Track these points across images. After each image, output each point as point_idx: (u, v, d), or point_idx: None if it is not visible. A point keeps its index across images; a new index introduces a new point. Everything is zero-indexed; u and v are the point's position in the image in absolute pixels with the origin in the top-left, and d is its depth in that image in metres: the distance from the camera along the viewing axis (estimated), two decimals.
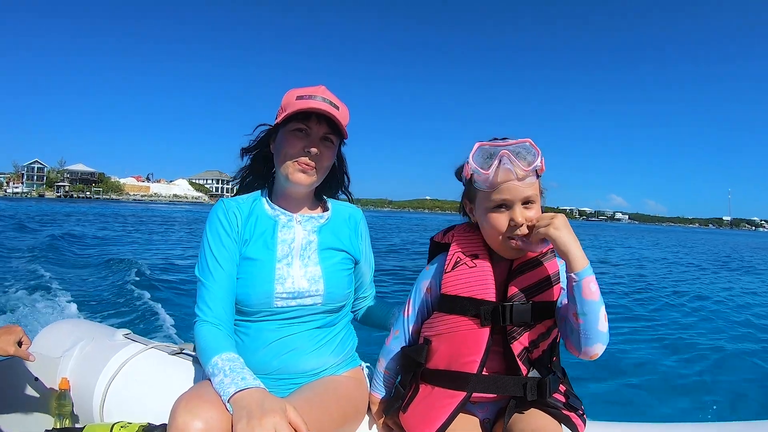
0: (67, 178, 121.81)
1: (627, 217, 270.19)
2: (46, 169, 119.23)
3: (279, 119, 1.33)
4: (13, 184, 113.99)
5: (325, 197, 1.50)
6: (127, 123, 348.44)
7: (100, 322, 2.06)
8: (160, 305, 5.62)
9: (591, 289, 1.08)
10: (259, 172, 1.48)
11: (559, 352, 1.26)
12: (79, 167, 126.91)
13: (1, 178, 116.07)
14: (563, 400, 1.22)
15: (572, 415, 1.20)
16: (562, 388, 1.24)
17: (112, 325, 1.93)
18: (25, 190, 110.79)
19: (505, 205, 1.15)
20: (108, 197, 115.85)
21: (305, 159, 1.32)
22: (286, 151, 1.32)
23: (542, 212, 1.20)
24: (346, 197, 1.55)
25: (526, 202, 1.15)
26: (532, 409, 1.18)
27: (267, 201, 1.40)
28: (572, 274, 1.09)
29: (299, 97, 1.32)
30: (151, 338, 1.77)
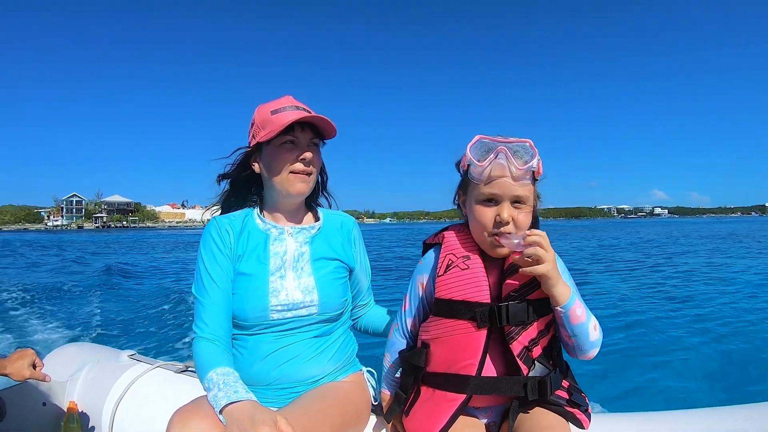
0: (105, 209, 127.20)
1: (666, 211, 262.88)
2: (84, 201, 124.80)
3: (263, 137, 1.31)
4: (53, 217, 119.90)
5: (314, 205, 1.50)
6: (162, 151, 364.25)
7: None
8: (173, 324, 5.66)
9: (577, 314, 1.12)
10: (239, 193, 1.47)
11: (560, 346, 1.23)
12: (116, 198, 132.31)
13: (43, 212, 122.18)
14: (566, 396, 1.20)
15: (576, 411, 1.18)
16: (565, 383, 1.22)
17: (117, 347, 1.93)
18: (65, 223, 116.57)
19: (494, 200, 1.15)
20: (144, 225, 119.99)
21: (301, 167, 1.33)
22: (280, 166, 1.33)
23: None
24: (326, 199, 1.53)
25: (517, 201, 1.14)
26: (537, 408, 1.17)
27: (258, 216, 1.41)
28: (557, 308, 1.12)
29: (274, 112, 1.32)
30: (157, 357, 1.77)
